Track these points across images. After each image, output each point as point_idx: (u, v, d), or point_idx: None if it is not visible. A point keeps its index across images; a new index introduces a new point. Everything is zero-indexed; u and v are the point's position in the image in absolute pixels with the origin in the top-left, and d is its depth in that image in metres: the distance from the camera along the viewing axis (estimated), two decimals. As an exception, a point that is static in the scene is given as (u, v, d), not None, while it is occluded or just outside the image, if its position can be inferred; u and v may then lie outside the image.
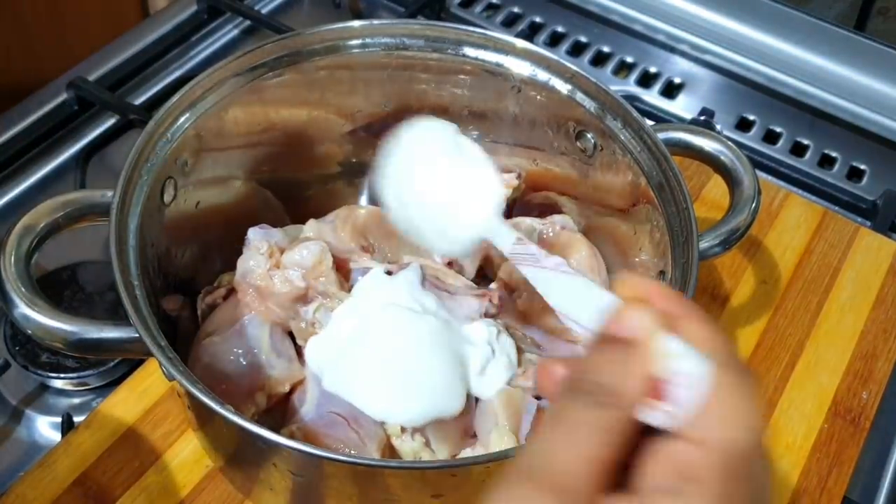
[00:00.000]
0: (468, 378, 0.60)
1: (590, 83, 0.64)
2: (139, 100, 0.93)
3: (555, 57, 0.65)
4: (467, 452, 0.59)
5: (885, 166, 0.93)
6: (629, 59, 1.02)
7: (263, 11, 1.03)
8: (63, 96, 0.89)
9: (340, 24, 0.66)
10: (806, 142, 0.95)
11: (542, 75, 0.66)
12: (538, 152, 0.69)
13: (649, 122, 0.62)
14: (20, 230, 0.54)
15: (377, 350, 0.59)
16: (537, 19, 1.05)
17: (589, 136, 0.65)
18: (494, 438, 0.57)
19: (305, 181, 0.73)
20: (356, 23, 0.66)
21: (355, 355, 0.59)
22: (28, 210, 0.56)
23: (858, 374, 0.72)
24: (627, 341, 0.34)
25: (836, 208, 0.88)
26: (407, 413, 0.58)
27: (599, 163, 0.65)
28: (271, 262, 0.63)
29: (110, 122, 0.89)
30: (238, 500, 0.62)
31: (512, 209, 0.71)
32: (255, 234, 0.65)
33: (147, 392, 0.67)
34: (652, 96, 0.98)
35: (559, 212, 0.70)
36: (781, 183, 0.90)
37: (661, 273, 0.59)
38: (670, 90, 0.99)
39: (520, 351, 0.63)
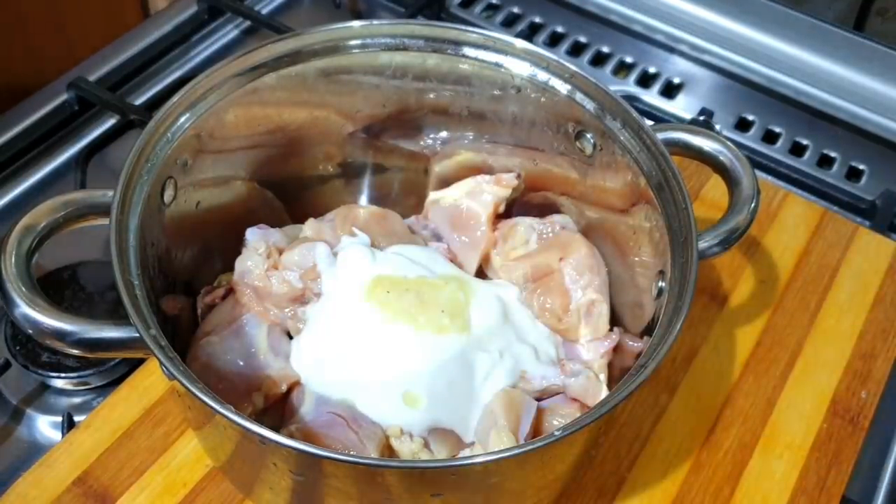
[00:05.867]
0: (474, 385, 0.60)
1: (589, 83, 0.64)
2: (139, 100, 0.93)
3: (554, 57, 0.65)
4: (466, 452, 0.59)
5: (884, 166, 0.93)
6: (628, 60, 1.02)
7: (263, 12, 1.03)
8: (63, 96, 0.89)
9: (340, 25, 0.66)
10: (805, 142, 0.95)
11: (542, 75, 0.66)
12: (538, 152, 0.69)
13: (648, 122, 0.62)
14: (21, 230, 0.54)
15: (379, 358, 0.59)
16: (537, 19, 1.05)
17: (588, 136, 0.65)
18: (494, 438, 0.57)
19: (305, 181, 0.73)
20: (356, 23, 0.66)
21: (356, 361, 0.60)
22: (28, 210, 0.55)
23: (857, 373, 0.72)
24: None
25: (835, 208, 0.88)
26: (407, 419, 0.58)
27: (599, 163, 0.65)
28: (269, 263, 0.63)
29: (111, 122, 0.89)
30: (238, 499, 0.62)
31: (512, 209, 0.71)
32: (252, 235, 0.65)
33: (147, 391, 0.67)
34: (651, 96, 0.98)
35: (559, 212, 0.70)
36: (780, 183, 0.90)
37: (661, 273, 0.59)
38: (669, 90, 0.99)
39: None
